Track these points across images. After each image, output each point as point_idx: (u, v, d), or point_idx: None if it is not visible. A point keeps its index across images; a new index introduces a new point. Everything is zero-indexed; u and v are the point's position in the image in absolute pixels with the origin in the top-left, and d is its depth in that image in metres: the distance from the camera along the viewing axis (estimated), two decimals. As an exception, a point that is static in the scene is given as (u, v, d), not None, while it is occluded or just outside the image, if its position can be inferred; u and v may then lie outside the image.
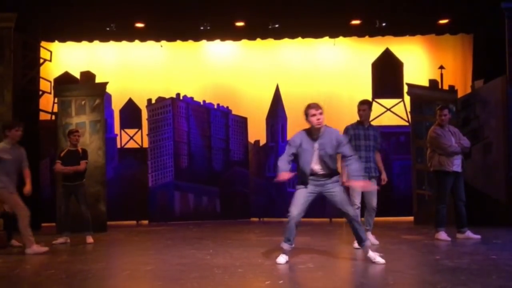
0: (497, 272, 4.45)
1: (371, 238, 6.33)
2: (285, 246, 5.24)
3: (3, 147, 6.48)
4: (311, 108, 5.09)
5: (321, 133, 5.14)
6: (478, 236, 6.86)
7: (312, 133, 5.16)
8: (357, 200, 6.45)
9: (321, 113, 5.07)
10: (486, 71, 9.64)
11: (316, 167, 5.20)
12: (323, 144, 5.13)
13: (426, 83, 10.27)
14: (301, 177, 5.30)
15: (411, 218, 9.78)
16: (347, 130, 6.54)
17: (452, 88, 10.08)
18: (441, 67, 10.91)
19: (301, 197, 5.32)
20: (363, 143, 6.46)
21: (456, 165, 6.92)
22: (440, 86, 10.43)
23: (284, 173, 5.15)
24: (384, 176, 6.78)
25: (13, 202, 6.49)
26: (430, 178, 8.84)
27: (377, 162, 6.66)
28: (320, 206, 11.09)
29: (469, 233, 6.93)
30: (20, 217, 6.36)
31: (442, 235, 6.84)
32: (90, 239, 7.36)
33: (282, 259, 5.16)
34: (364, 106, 6.65)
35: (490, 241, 6.61)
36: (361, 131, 6.52)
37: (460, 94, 9.99)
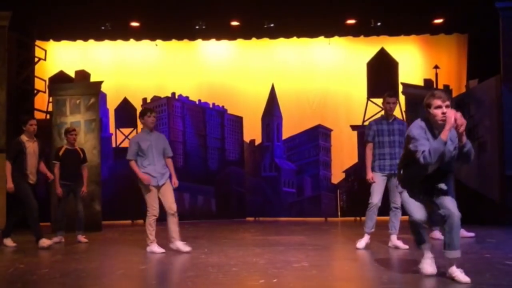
0: (490, 270, 4.47)
1: (397, 243, 6.05)
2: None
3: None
4: (436, 98, 4.19)
5: None
6: (472, 234, 6.88)
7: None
8: (375, 197, 6.09)
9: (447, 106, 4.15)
10: (480, 71, 9.67)
11: None
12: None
13: (421, 83, 10.31)
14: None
15: (406, 217, 9.79)
16: (370, 126, 6.27)
17: (446, 88, 10.13)
18: (436, 67, 10.95)
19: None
20: (387, 139, 6.10)
21: None
22: (435, 86, 10.47)
23: None
24: None
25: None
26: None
27: None
28: (316, 205, 11.16)
29: (461, 231, 6.93)
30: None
31: (436, 234, 6.86)
32: (83, 238, 7.35)
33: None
34: (394, 99, 6.29)
35: (484, 240, 6.63)
36: (384, 126, 6.17)
37: (454, 93, 10.03)
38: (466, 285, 3.92)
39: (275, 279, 4.31)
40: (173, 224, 6.05)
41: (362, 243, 6.05)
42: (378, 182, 6.08)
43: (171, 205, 6.09)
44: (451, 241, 4.12)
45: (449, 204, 4.19)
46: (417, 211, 4.30)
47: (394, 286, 4.01)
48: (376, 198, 6.10)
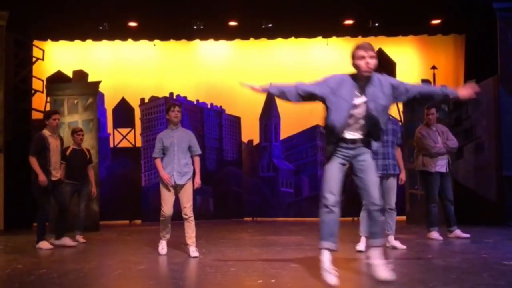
0: (488, 270, 4.48)
1: (395, 243, 5.97)
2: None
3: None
4: (359, 49, 4.02)
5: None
6: (467, 235, 6.90)
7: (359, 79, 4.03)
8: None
9: (372, 57, 3.98)
10: (478, 71, 9.69)
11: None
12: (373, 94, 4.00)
13: (419, 83, 10.31)
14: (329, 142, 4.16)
15: (403, 218, 9.82)
16: None
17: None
18: (434, 67, 10.98)
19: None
20: None
21: (439, 165, 6.94)
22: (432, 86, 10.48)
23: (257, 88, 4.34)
24: (402, 175, 6.20)
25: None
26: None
27: (397, 159, 6.10)
28: (314, 206, 11.16)
29: (457, 232, 6.97)
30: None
31: (434, 235, 6.88)
32: (81, 238, 7.34)
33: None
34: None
35: (481, 240, 6.65)
36: None
37: (452, 94, 10.04)
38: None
39: (273, 280, 4.32)
40: (186, 228, 5.80)
41: (362, 245, 5.92)
42: None
43: (183, 208, 5.85)
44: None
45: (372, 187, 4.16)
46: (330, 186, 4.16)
47: (392, 286, 4.01)
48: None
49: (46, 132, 6.73)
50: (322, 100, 4.09)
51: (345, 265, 5.09)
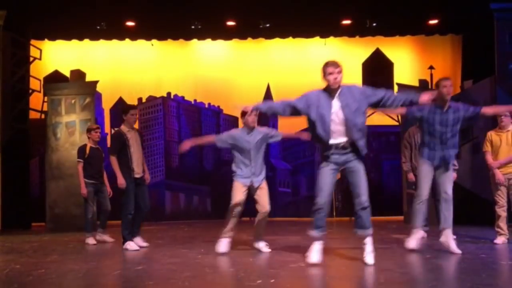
0: (486, 270, 4.49)
1: (451, 244, 5.48)
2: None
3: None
4: (329, 66, 4.78)
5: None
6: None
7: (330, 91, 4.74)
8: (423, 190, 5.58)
9: (339, 72, 4.72)
10: (475, 72, 9.74)
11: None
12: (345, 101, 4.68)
13: (416, 83, 10.35)
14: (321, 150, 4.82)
15: (401, 217, 9.84)
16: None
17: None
18: (431, 67, 11.01)
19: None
20: (438, 128, 5.47)
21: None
22: (430, 86, 10.50)
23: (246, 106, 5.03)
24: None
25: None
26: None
27: None
28: (311, 205, 11.16)
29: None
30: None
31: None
32: (106, 237, 7.33)
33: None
34: (448, 82, 5.61)
35: (479, 240, 6.67)
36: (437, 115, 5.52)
37: (449, 94, 10.06)
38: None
39: (273, 280, 4.32)
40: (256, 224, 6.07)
41: (413, 242, 5.63)
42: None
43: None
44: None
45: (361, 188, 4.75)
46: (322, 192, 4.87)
47: (391, 286, 4.02)
48: (423, 189, 5.63)
49: (124, 128, 6.43)
50: (306, 113, 4.74)
51: (345, 263, 5.10)
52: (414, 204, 5.76)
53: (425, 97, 4.59)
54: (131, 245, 6.29)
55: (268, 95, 11.17)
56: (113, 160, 6.28)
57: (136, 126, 10.75)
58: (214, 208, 11.08)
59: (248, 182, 5.94)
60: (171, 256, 5.80)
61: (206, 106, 11.20)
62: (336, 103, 4.69)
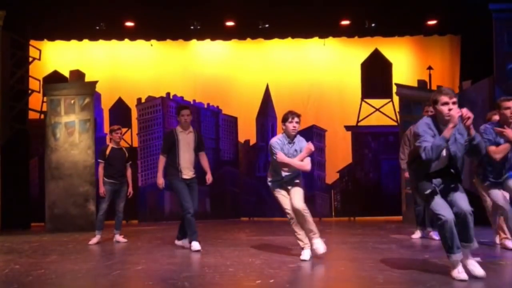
0: (485, 270, 4.50)
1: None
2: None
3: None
4: (444, 95, 4.26)
5: None
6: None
7: None
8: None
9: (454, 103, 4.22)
10: (473, 72, 9.75)
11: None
12: None
13: (414, 84, 10.36)
14: None
15: (399, 218, 9.86)
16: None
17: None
18: (430, 68, 11.02)
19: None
20: None
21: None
22: (428, 87, 10.53)
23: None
24: None
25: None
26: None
27: None
28: (310, 206, 11.17)
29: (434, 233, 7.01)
30: None
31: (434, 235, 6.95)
32: (121, 238, 7.38)
33: None
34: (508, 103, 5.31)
35: (478, 240, 6.66)
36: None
37: (448, 94, 10.09)
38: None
39: (272, 280, 4.33)
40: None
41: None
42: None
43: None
44: (465, 237, 4.24)
45: (460, 200, 4.30)
46: (444, 209, 4.22)
47: (390, 287, 4.04)
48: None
49: (178, 128, 6.39)
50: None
51: (344, 263, 5.11)
52: None
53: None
54: (194, 246, 6.09)
55: (267, 96, 11.19)
56: (160, 159, 6.42)
57: (135, 126, 10.85)
58: (213, 208, 11.09)
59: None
60: (170, 256, 5.82)
61: (205, 106, 11.21)
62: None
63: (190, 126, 6.47)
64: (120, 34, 10.61)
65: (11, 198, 9.10)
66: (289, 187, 5.58)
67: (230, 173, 11.15)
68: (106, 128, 10.96)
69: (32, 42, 10.35)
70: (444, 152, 4.20)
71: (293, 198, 5.49)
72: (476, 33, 9.87)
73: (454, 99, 4.24)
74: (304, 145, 5.67)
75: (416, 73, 11.00)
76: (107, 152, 7.36)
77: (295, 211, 5.41)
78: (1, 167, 8.94)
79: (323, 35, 10.89)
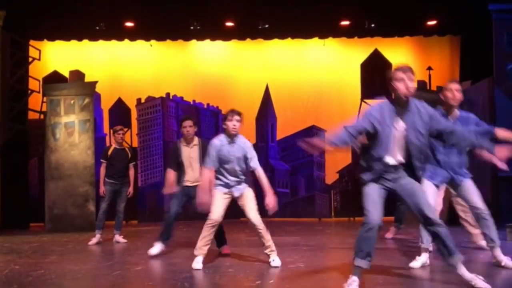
0: (484, 271, 4.51)
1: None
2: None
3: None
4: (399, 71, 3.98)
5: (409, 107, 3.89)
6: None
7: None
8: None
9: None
10: (473, 72, 9.75)
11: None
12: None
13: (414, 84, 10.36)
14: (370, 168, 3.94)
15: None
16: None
17: (440, 89, 10.16)
18: (429, 68, 11.02)
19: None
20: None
21: None
22: (428, 87, 10.53)
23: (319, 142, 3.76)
24: None
25: None
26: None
27: None
28: (310, 206, 11.20)
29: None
30: None
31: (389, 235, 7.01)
32: (121, 238, 7.39)
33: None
34: (454, 85, 5.07)
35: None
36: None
37: (447, 95, 10.10)
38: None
39: (272, 280, 4.34)
40: None
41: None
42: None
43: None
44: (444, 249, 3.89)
45: (418, 204, 3.87)
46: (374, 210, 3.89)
47: (389, 287, 4.04)
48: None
49: (182, 141, 6.04)
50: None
51: (343, 264, 5.12)
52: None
53: (502, 154, 3.95)
54: (226, 250, 6.00)
55: (266, 96, 11.19)
56: (168, 171, 6.07)
57: (134, 126, 10.83)
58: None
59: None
60: (170, 256, 5.82)
61: (205, 106, 11.21)
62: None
63: (195, 138, 6.06)
64: (120, 34, 10.61)
65: (10, 198, 9.10)
66: (236, 192, 5.28)
67: (229, 173, 11.13)
68: (106, 128, 10.97)
69: (32, 42, 10.36)
70: (390, 138, 3.80)
71: (247, 210, 5.24)
72: (476, 33, 9.88)
73: (411, 75, 3.92)
74: (248, 146, 5.27)
75: (415, 74, 10.98)
76: (109, 152, 7.40)
77: (250, 224, 5.17)
78: (1, 167, 8.95)
79: (322, 35, 10.89)
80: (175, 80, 11.15)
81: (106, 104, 10.98)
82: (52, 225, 9.12)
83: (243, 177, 5.31)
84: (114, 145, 7.50)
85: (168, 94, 11.05)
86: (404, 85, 3.89)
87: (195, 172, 5.95)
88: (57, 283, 4.47)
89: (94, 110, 9.62)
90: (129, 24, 10.28)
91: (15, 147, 9.54)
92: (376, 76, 11.16)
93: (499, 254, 4.76)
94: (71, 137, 9.34)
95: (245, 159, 5.22)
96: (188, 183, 6.00)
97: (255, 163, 5.20)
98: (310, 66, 11.23)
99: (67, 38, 10.68)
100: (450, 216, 7.20)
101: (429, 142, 4.55)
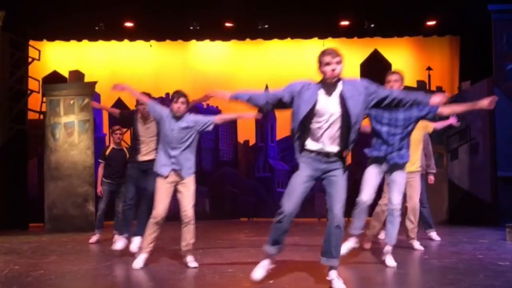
0: (484, 271, 4.52)
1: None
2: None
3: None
4: (326, 55, 3.94)
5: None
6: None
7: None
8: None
9: (338, 62, 3.92)
10: (472, 73, 9.76)
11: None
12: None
13: (414, 84, 10.37)
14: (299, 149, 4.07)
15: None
16: None
17: (439, 89, 10.20)
18: (429, 68, 11.03)
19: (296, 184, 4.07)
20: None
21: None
22: (427, 87, 10.54)
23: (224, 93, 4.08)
24: None
25: None
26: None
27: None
28: (309, 206, 11.18)
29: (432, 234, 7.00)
30: None
31: (432, 235, 6.95)
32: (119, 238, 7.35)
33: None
34: (393, 76, 5.26)
35: (477, 241, 6.69)
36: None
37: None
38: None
39: (271, 281, 4.34)
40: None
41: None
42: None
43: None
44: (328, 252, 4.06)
45: (333, 200, 4.11)
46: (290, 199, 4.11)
47: (389, 287, 4.04)
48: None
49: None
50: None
51: (343, 264, 5.11)
52: None
53: (437, 99, 4.12)
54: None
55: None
56: None
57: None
58: (212, 208, 11.09)
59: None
60: (170, 257, 5.82)
61: (205, 106, 11.21)
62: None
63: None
64: (119, 34, 10.62)
65: (10, 198, 9.10)
66: (179, 181, 5.14)
67: (229, 173, 11.15)
68: (106, 128, 10.97)
69: (31, 42, 10.35)
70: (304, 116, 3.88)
71: (182, 201, 5.14)
72: (475, 34, 9.89)
73: (338, 58, 3.90)
74: (193, 119, 5.28)
75: (415, 74, 11.00)
76: (107, 152, 7.43)
77: (182, 216, 5.01)
78: (0, 167, 8.94)
79: (322, 35, 10.89)
80: (175, 80, 11.14)
81: (106, 104, 10.93)
82: (51, 225, 9.11)
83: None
84: (112, 145, 7.50)
85: (167, 94, 11.04)
86: (331, 68, 3.89)
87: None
88: (57, 283, 4.46)
89: (93, 110, 9.61)
90: (128, 24, 10.28)
91: (15, 147, 9.54)
92: (375, 76, 11.15)
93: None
94: (70, 137, 9.34)
95: (204, 127, 5.31)
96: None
97: (210, 118, 5.22)
98: (310, 66, 11.18)
99: (66, 38, 10.69)
100: (450, 216, 7.22)
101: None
